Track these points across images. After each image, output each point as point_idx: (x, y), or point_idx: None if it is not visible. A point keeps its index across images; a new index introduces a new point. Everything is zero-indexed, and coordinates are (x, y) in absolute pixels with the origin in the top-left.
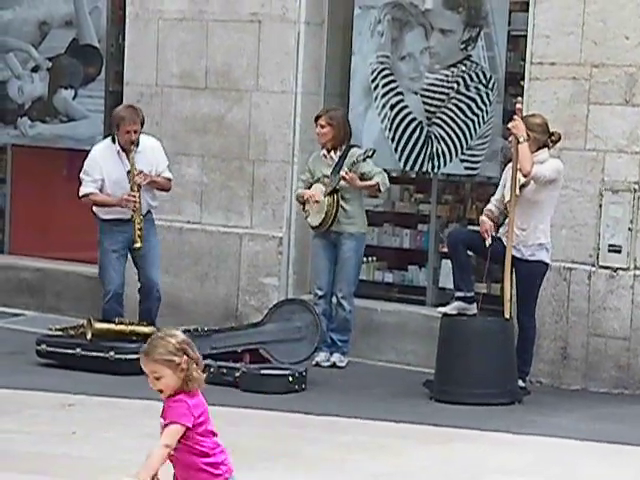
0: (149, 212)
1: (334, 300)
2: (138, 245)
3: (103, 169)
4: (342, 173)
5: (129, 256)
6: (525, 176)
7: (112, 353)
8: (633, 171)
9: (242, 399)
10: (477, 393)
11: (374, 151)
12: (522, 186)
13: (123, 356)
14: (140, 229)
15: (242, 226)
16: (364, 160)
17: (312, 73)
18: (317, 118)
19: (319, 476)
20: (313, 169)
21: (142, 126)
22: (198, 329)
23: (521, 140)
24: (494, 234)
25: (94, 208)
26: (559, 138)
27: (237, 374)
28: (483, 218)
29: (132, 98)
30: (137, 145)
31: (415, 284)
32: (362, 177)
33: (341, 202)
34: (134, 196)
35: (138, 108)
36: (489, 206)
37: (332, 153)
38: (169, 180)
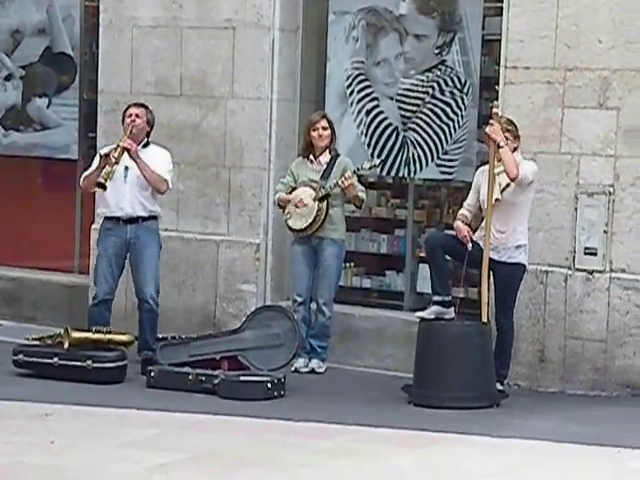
0: (150, 219)
1: (313, 306)
2: (100, 181)
3: (295, 174)
4: (342, 179)
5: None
6: (513, 180)
7: (89, 362)
8: (608, 174)
9: (221, 406)
10: (455, 397)
11: (382, 161)
12: (503, 190)
13: (101, 365)
14: (108, 173)
15: (219, 233)
16: (370, 169)
17: (287, 79)
18: (315, 122)
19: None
20: (297, 174)
21: (151, 127)
22: (176, 337)
23: (502, 144)
24: (473, 238)
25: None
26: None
27: (216, 381)
28: (458, 224)
29: (107, 106)
30: (144, 146)
31: (393, 289)
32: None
33: (329, 208)
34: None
35: (149, 108)
36: (462, 211)
37: (320, 158)
38: (164, 180)
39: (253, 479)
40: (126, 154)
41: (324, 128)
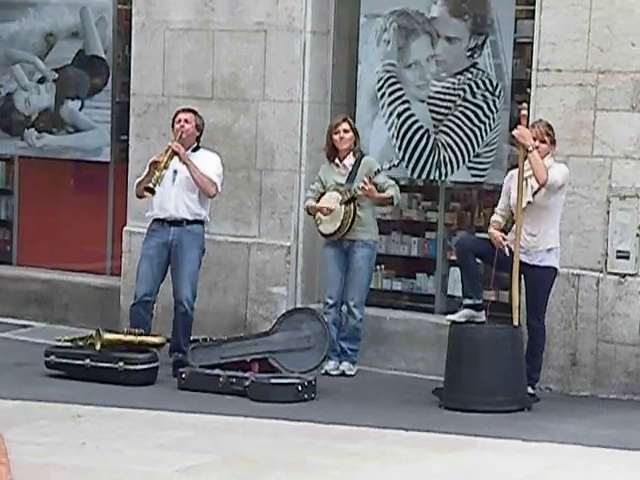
0: (194, 222)
1: (344, 309)
2: (150, 185)
3: (323, 179)
4: (361, 184)
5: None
6: (543, 185)
7: (121, 364)
8: None
9: (251, 409)
10: (486, 400)
11: (400, 161)
12: (534, 193)
13: (132, 367)
14: (158, 178)
15: (250, 235)
16: (389, 169)
17: (318, 82)
18: (336, 125)
19: None
20: (325, 179)
21: (200, 131)
22: (207, 339)
23: (530, 148)
24: (507, 244)
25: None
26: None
27: (246, 383)
28: (492, 231)
29: (139, 109)
30: (194, 150)
31: (423, 292)
32: (375, 188)
33: (357, 210)
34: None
35: (198, 113)
36: (495, 217)
37: (345, 161)
38: (211, 181)
39: None
40: (176, 158)
41: (345, 131)
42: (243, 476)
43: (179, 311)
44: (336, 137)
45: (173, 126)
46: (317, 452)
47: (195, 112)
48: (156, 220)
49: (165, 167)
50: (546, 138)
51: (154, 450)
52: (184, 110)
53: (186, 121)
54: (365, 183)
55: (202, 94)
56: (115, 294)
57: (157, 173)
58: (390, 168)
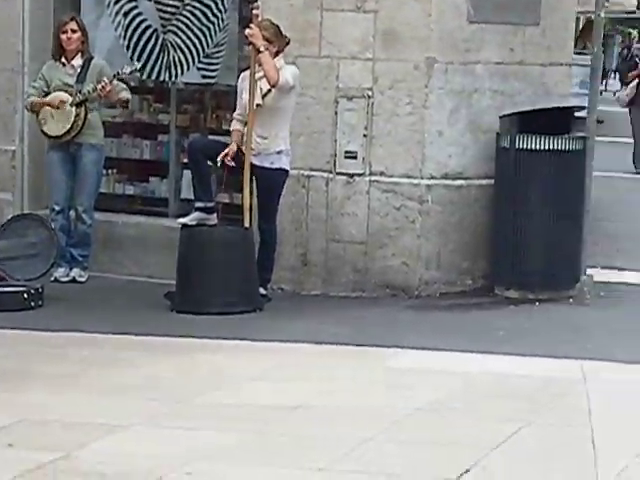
0: None
1: (72, 214)
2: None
3: (46, 77)
4: (100, 85)
5: None
6: (274, 86)
7: None
8: (367, 78)
9: None
10: (218, 302)
11: (142, 66)
12: (264, 95)
13: None
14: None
15: None
16: (130, 73)
17: None
18: (64, 24)
19: (60, 390)
20: (49, 77)
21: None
22: None
23: (262, 49)
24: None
25: None
26: (288, 42)
27: None
28: (233, 147)
29: None
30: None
31: (157, 196)
32: None
33: (88, 113)
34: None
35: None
36: (234, 125)
37: (73, 62)
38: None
39: (5, 391)
40: None
41: (73, 30)
42: None
43: None
44: (63, 37)
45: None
46: (43, 360)
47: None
48: None
49: None
50: (273, 38)
51: None
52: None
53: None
54: (106, 84)
55: None
56: None
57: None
58: (131, 72)
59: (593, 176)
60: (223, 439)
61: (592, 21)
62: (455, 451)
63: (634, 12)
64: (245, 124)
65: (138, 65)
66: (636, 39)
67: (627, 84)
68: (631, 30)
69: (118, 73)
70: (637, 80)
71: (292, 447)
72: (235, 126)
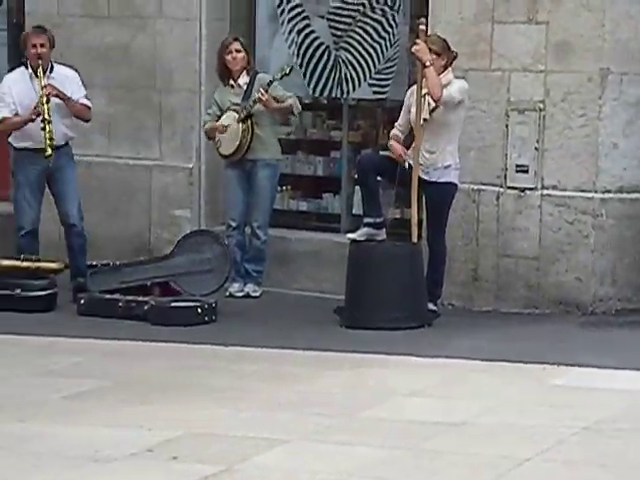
0: (67, 144)
1: (248, 230)
2: (48, 153)
3: (14, 93)
4: (257, 94)
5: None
6: (436, 101)
7: (18, 290)
8: (538, 90)
9: (150, 333)
10: (386, 317)
11: (292, 67)
12: (432, 110)
13: (30, 293)
14: (50, 138)
15: (151, 158)
16: (281, 78)
17: None
18: (228, 45)
19: (225, 404)
20: (221, 101)
21: (52, 47)
22: (106, 264)
23: (427, 64)
24: (409, 156)
25: (10, 137)
26: (456, 56)
27: (146, 307)
28: (392, 144)
29: None
30: (50, 71)
31: (330, 212)
32: (275, 101)
33: (255, 128)
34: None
35: (47, 29)
36: (394, 132)
37: (239, 81)
38: (87, 108)
39: (172, 404)
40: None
41: (237, 50)
42: (128, 400)
43: (73, 232)
44: (228, 57)
45: (25, 46)
46: (211, 374)
47: (44, 29)
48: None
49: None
50: (441, 52)
51: (45, 376)
52: (35, 32)
53: (41, 45)
54: (262, 94)
55: (98, 12)
56: (11, 221)
57: (47, 129)
58: (282, 77)
59: None
60: (382, 454)
61: None
62: (619, 471)
63: None
64: (406, 136)
65: (287, 69)
66: None
67: None
68: None
69: (272, 81)
70: None
71: (451, 465)
72: (393, 132)
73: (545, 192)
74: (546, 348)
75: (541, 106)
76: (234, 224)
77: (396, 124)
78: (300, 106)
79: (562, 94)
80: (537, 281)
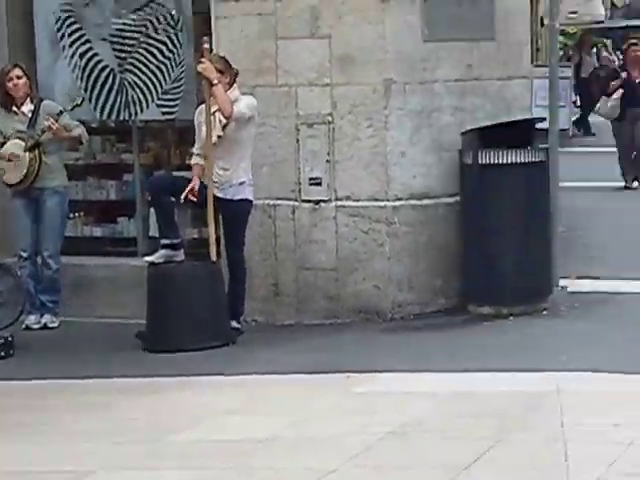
0: None
1: (39, 260)
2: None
3: (1, 128)
4: (47, 123)
5: None
6: (228, 118)
7: None
8: (325, 103)
9: None
10: (189, 339)
11: (83, 99)
12: (224, 127)
13: None
14: None
15: None
16: (72, 109)
17: None
18: (8, 72)
19: (30, 439)
20: (3, 128)
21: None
22: None
23: (214, 82)
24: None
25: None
26: (237, 73)
27: None
28: (196, 182)
29: None
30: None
31: (125, 235)
32: (64, 130)
33: (43, 157)
34: None
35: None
36: (195, 160)
37: (23, 108)
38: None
39: None
40: None
41: (18, 77)
42: None
43: None
44: (10, 85)
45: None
46: (8, 411)
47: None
48: None
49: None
50: (224, 70)
51: None
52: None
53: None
54: (53, 123)
55: None
56: None
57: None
58: (73, 108)
59: (580, 186)
60: (189, 475)
61: (588, 32)
62: (424, 473)
63: (602, 22)
64: (205, 157)
65: (79, 100)
66: (609, 48)
67: (608, 95)
68: (605, 40)
69: (61, 111)
70: (621, 91)
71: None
72: (195, 160)
73: (339, 203)
74: (349, 357)
75: (329, 119)
76: (25, 254)
77: (193, 149)
78: (87, 135)
79: (349, 106)
80: (337, 292)
